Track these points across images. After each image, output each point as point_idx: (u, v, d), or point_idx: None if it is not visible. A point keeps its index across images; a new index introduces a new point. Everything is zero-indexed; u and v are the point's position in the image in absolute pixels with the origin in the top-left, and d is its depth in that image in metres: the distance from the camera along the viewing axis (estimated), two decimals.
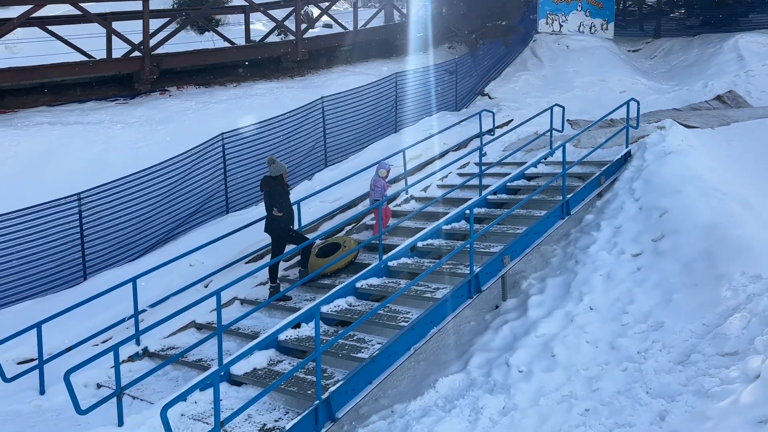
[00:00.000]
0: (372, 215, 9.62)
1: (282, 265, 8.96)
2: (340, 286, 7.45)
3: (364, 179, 10.89)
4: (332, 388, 5.95)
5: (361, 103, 12.89)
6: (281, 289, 8.11)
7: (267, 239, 8.89)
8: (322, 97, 12.10)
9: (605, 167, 10.25)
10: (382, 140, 12.83)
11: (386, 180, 9.29)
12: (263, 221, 8.53)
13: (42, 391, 6.65)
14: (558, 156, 11.50)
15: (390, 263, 8.09)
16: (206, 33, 16.22)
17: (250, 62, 13.88)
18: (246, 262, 8.77)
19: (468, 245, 7.63)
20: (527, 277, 8.59)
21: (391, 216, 9.53)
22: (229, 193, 10.45)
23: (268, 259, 8.78)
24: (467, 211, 8.32)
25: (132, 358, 7.23)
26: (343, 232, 9.79)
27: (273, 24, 15.52)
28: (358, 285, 7.61)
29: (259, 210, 9.66)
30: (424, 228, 9.07)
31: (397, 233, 9.31)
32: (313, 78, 15.01)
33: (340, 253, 8.41)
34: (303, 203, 9.45)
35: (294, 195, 10.07)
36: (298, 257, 8.68)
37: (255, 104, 12.88)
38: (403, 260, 8.25)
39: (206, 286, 8.36)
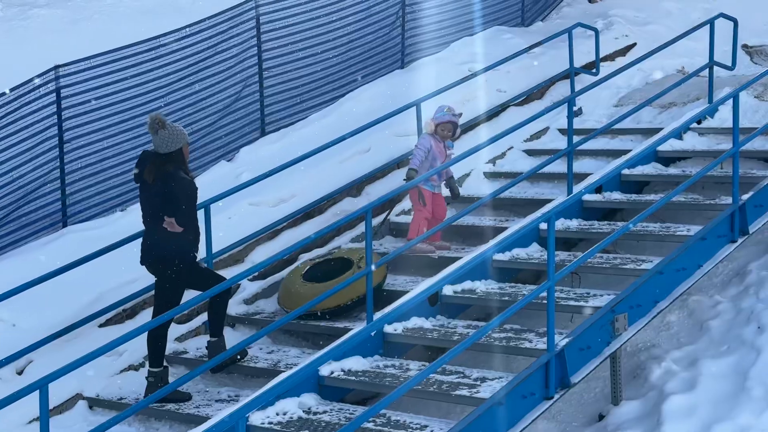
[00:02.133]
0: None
1: (177, 330, 9.07)
2: (292, 372, 7.44)
3: (341, 158, 11.02)
4: None
5: (333, 9, 12.98)
6: (169, 380, 8.14)
7: (146, 278, 8.96)
8: None
9: None
10: (377, 83, 12.96)
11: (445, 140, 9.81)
12: (139, 243, 8.56)
13: None
14: (723, 117, 11.56)
15: (387, 328, 8.16)
16: None
17: None
18: (100, 325, 8.93)
19: (544, 293, 7.65)
20: (662, 357, 8.63)
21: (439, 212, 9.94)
22: (70, 188, 10.56)
23: (146, 317, 8.86)
24: (543, 226, 8.33)
25: None
26: (331, 245, 9.99)
27: None
28: (324, 372, 7.68)
29: (131, 220, 9.71)
30: (457, 258, 9.14)
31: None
32: None
33: (350, 275, 8.67)
34: (216, 206, 9.52)
35: (203, 190, 10.09)
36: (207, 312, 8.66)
37: (122, 7, 13.00)
38: (416, 322, 8.37)
39: (20, 373, 8.46)
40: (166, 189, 7.83)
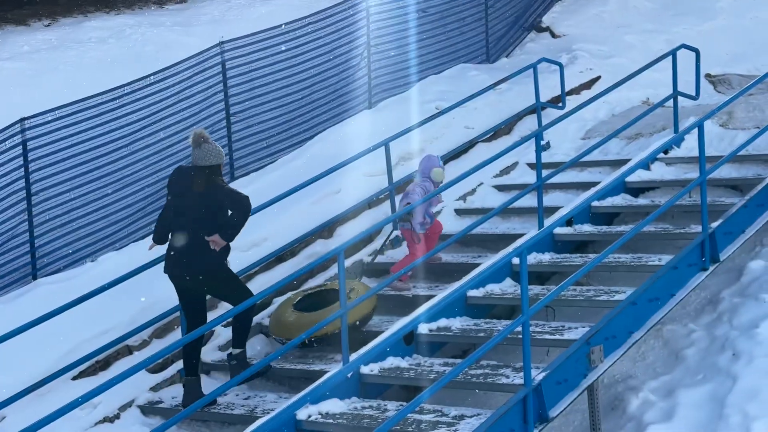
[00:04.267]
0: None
1: (152, 379, 9.05)
2: (268, 418, 7.40)
3: (312, 200, 11.05)
4: None
5: (298, 52, 13.07)
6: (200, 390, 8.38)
7: (119, 328, 8.99)
8: (221, 43, 12.28)
9: None
10: (345, 124, 13.02)
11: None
12: (110, 292, 8.66)
13: None
14: (689, 147, 11.69)
15: (364, 369, 8.15)
16: None
17: None
18: (74, 378, 8.88)
19: (519, 327, 7.67)
20: (639, 387, 8.65)
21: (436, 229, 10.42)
22: (39, 241, 10.55)
23: (120, 367, 8.81)
24: (516, 260, 8.36)
25: None
26: (304, 287, 10.05)
27: None
28: (302, 417, 7.63)
29: (102, 270, 9.76)
30: (432, 295, 9.15)
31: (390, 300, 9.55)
32: (203, 5, 15.24)
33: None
34: None
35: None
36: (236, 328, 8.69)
37: (86, 58, 13.04)
38: (393, 362, 8.35)
39: None
40: (216, 199, 8.12)
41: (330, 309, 8.86)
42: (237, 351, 8.47)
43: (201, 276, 8.20)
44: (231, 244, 8.36)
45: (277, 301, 9.93)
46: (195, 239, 8.14)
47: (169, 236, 8.41)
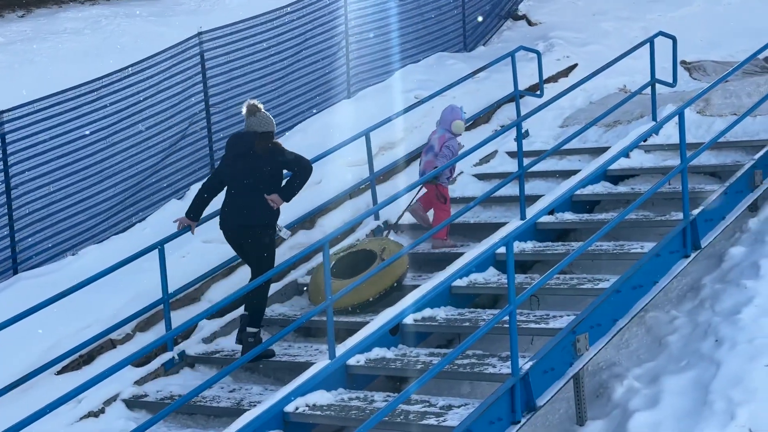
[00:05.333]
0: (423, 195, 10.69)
1: (135, 373, 9.02)
2: (256, 412, 7.37)
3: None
4: None
5: (277, 43, 13.05)
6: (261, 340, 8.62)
7: (103, 322, 9.04)
8: (200, 33, 12.22)
9: (762, 152, 10.53)
10: (325, 114, 13.01)
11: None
12: (99, 283, 8.72)
13: None
14: (667, 134, 11.73)
15: (350, 360, 8.17)
16: None
17: None
18: (57, 372, 8.85)
19: (506, 317, 7.70)
20: (624, 375, 8.69)
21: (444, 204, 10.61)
22: (19, 235, 10.54)
23: (104, 361, 8.85)
24: (500, 249, 8.38)
25: None
26: (287, 279, 10.07)
27: None
28: (289, 409, 7.62)
29: (83, 264, 9.78)
30: (417, 285, 9.19)
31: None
32: None
33: (375, 267, 9.06)
34: (169, 245, 9.48)
35: (153, 230, 10.11)
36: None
37: (62, 50, 12.94)
38: (378, 353, 8.37)
39: None
40: (277, 161, 8.69)
41: (365, 274, 9.01)
42: (253, 330, 8.71)
43: (251, 230, 8.67)
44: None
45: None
46: (253, 196, 8.64)
47: (224, 194, 8.92)
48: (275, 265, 8.71)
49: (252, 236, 8.71)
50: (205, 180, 9.24)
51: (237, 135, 9.03)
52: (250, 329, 8.69)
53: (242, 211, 8.67)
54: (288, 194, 8.72)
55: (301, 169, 8.74)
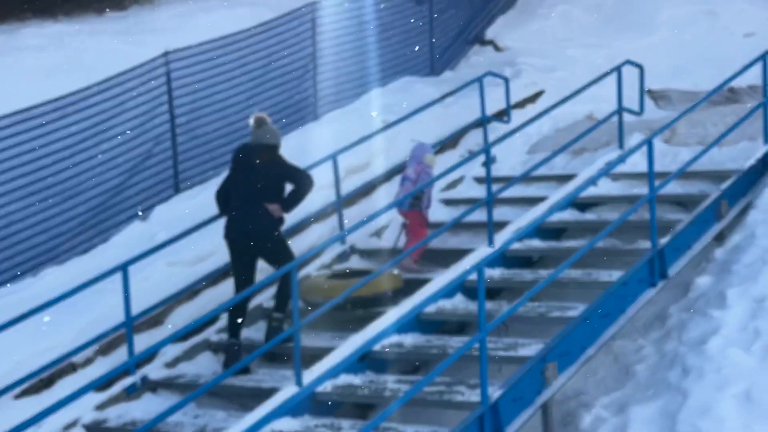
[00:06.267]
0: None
1: (96, 398, 8.85)
2: None
3: None
4: None
5: (243, 63, 12.99)
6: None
7: (64, 345, 8.88)
8: (166, 53, 12.13)
9: (728, 183, 10.58)
10: (291, 136, 12.90)
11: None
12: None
13: None
14: (634, 162, 11.77)
15: (319, 388, 8.09)
16: None
17: None
18: (16, 396, 8.66)
19: (476, 344, 7.65)
20: (592, 403, 8.69)
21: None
22: None
23: (65, 386, 8.69)
24: (471, 276, 8.34)
25: None
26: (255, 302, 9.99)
27: None
28: None
29: (44, 285, 9.71)
30: (380, 312, 9.16)
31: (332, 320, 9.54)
32: (144, 14, 15.04)
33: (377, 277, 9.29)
34: (133, 267, 9.37)
35: (116, 252, 9.96)
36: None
37: (25, 66, 12.76)
38: (345, 379, 8.31)
39: None
40: (278, 173, 9.11)
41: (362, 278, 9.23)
42: (278, 315, 9.04)
43: (257, 237, 9.02)
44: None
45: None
46: (257, 205, 9.01)
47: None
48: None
49: (258, 242, 9.04)
50: (219, 188, 9.48)
51: (244, 146, 9.43)
52: (276, 314, 9.05)
53: (247, 219, 9.02)
54: (289, 205, 9.12)
55: (303, 182, 9.10)
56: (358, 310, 9.47)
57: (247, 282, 9.13)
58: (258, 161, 9.11)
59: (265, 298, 10.15)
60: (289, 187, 9.24)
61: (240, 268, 9.20)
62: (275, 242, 9.16)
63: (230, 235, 9.15)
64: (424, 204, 10.66)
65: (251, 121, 9.33)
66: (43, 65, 13.06)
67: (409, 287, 9.77)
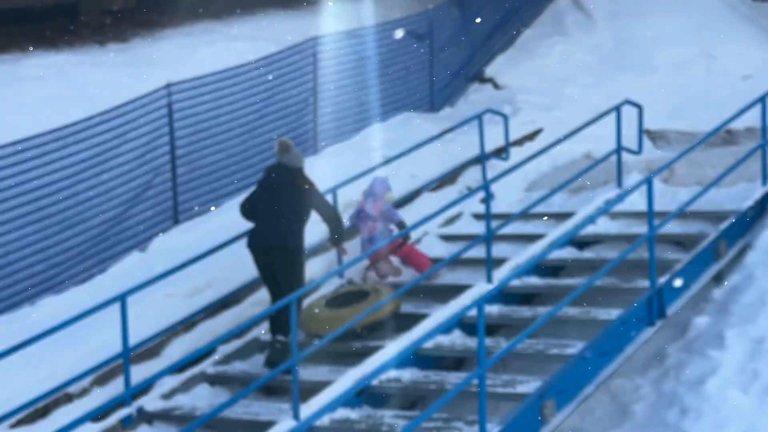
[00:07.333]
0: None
1: (90, 429, 8.73)
2: None
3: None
4: None
5: (244, 97, 13.03)
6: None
7: (59, 375, 8.85)
8: (168, 85, 12.17)
9: (726, 223, 10.59)
10: None
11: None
12: None
13: None
14: (632, 201, 11.80)
15: (316, 422, 8.06)
16: None
17: (15, 15, 13.98)
18: (12, 426, 8.66)
19: (475, 380, 7.64)
20: None
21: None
22: None
23: (60, 416, 8.68)
24: (471, 312, 8.35)
25: None
26: (251, 335, 10.03)
27: None
28: None
29: (41, 315, 9.69)
30: (379, 346, 9.12)
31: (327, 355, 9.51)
32: (147, 46, 15.08)
33: (375, 300, 9.65)
34: (131, 298, 9.34)
35: (114, 282, 9.97)
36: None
37: (26, 97, 12.78)
38: (342, 413, 8.28)
39: None
40: (306, 193, 9.74)
41: (362, 305, 9.61)
42: (282, 338, 9.25)
43: (281, 250, 9.45)
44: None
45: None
46: (283, 222, 9.48)
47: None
48: (305, 283, 9.57)
49: (281, 257, 9.44)
50: (244, 201, 9.91)
51: (272, 166, 9.96)
52: (280, 337, 9.28)
53: (273, 234, 9.45)
54: (342, 235, 10.07)
55: (332, 215, 9.93)
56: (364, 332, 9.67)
57: (277, 286, 9.51)
58: (288, 182, 9.67)
59: (260, 332, 10.14)
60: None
61: (268, 277, 9.62)
62: (292, 260, 9.50)
63: (252, 245, 9.56)
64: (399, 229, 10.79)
65: (276, 146, 9.88)
66: (44, 95, 13.08)
67: (406, 322, 9.77)
